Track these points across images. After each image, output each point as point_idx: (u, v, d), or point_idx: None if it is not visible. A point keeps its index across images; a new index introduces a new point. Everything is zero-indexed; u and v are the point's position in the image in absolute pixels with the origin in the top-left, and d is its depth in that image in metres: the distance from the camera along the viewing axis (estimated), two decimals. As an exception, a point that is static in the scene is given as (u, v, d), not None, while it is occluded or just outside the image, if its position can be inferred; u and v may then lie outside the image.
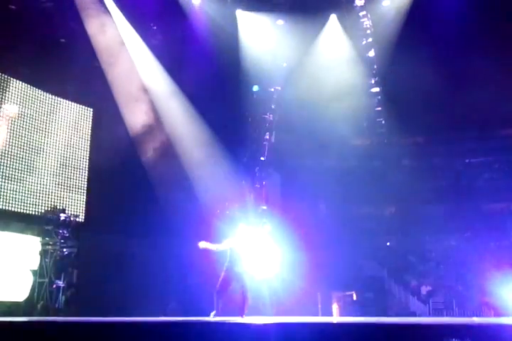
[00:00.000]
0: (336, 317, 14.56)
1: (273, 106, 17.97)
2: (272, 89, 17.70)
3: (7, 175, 13.07)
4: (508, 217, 17.77)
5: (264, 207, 17.54)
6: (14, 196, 13.18)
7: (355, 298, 16.61)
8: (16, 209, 13.17)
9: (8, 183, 13.07)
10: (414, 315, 16.15)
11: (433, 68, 15.62)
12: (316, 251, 15.83)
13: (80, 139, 15.09)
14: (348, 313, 15.65)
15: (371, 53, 16.78)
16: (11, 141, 13.32)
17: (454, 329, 4.97)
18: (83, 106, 15.17)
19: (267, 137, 18.20)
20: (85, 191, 14.91)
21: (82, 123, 15.16)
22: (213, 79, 15.15)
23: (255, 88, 15.62)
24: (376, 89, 17.54)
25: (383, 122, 17.88)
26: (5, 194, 12.97)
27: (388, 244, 18.43)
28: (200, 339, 5.29)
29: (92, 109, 15.28)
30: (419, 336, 4.99)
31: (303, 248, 15.41)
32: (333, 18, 16.55)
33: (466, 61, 16.22)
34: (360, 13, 16.09)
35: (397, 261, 17.87)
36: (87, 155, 15.12)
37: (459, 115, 18.08)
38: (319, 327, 5.67)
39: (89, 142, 15.20)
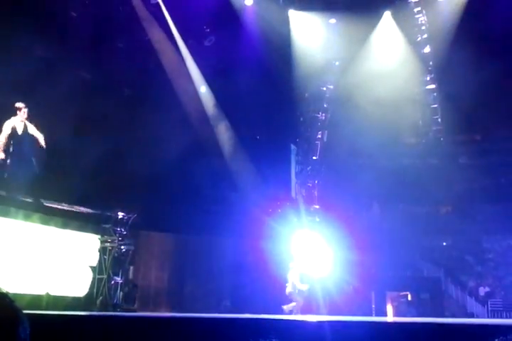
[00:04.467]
0: (391, 317, 14.38)
1: (325, 105, 17.90)
2: (324, 88, 17.64)
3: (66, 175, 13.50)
4: None
5: (317, 206, 17.52)
6: (74, 195, 13.62)
7: (410, 298, 16.36)
8: (75, 209, 13.61)
9: (68, 184, 13.51)
10: (471, 316, 15.80)
11: (491, 64, 15.15)
12: (370, 251, 15.70)
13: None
14: (402, 314, 15.45)
15: (426, 49, 16.44)
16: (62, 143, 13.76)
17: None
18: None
19: (319, 136, 18.15)
20: (142, 191, 15.26)
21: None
22: (265, 79, 15.23)
23: None
24: (432, 86, 17.16)
25: (439, 120, 17.47)
26: (65, 194, 13.40)
27: (445, 243, 18.06)
28: (254, 335, 5.35)
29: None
30: (476, 336, 4.89)
31: (356, 248, 15.31)
32: (387, 15, 16.31)
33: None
34: (415, 9, 15.78)
35: (454, 261, 17.50)
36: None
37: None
38: (375, 326, 5.63)
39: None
